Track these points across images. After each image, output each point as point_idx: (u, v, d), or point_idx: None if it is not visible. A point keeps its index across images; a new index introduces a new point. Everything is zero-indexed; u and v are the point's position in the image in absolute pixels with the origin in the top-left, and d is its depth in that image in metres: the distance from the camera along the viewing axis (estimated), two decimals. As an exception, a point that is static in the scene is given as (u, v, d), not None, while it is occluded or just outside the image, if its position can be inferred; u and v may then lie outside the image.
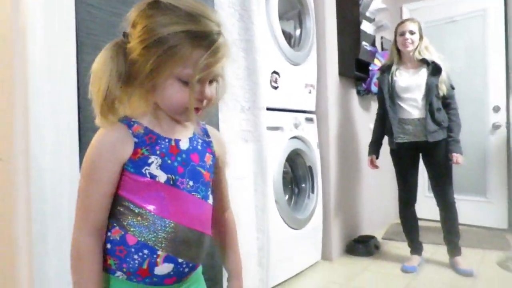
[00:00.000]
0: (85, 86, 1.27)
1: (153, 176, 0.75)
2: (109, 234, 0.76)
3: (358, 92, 3.20)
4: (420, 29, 2.46)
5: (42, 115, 1.13)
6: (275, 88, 2.28)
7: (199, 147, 0.84)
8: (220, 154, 0.90)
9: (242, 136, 1.94)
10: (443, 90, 2.34)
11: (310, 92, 2.61)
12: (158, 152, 0.76)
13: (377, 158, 2.63)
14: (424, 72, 2.41)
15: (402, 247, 2.83)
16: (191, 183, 0.79)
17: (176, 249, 0.77)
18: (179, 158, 0.79)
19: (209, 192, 0.85)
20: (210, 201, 0.85)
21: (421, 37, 2.46)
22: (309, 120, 2.58)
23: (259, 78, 1.98)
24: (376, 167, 2.63)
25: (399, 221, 2.64)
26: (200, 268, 0.89)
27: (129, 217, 0.75)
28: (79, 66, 1.25)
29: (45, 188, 1.12)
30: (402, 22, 2.52)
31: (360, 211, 3.17)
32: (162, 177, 0.75)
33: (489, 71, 3.46)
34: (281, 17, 2.34)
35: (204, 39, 0.71)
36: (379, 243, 2.96)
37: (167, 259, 0.76)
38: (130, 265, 0.74)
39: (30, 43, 1.11)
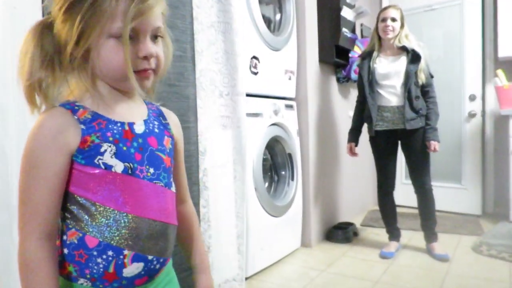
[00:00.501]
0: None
1: (108, 167, 0.66)
2: (64, 238, 0.67)
3: (338, 79, 3.19)
4: (402, 17, 2.45)
5: (5, 98, 1.06)
6: (255, 74, 2.23)
7: (156, 130, 0.76)
8: (178, 138, 0.83)
9: (221, 122, 1.89)
10: (422, 78, 2.34)
11: (290, 79, 2.58)
12: (110, 138, 0.67)
13: (356, 145, 2.62)
14: (403, 60, 2.41)
15: (380, 233, 2.86)
16: (151, 170, 0.71)
17: (143, 246, 0.69)
18: (135, 144, 0.70)
19: (171, 179, 0.78)
20: (173, 188, 0.78)
21: (402, 25, 2.45)
22: (289, 107, 2.55)
23: (238, 62, 1.92)
24: (356, 154, 2.63)
25: (377, 207, 2.66)
26: (170, 262, 0.81)
27: (85, 216, 0.66)
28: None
29: (11, 177, 1.05)
30: (385, 8, 2.50)
31: (339, 198, 3.19)
32: (118, 166, 0.67)
33: (465, 60, 3.49)
34: (260, 1, 2.29)
35: None
36: (358, 230, 2.98)
37: (135, 258, 0.68)
38: (94, 270, 0.66)
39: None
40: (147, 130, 0.73)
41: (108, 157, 0.66)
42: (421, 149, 2.38)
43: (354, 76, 3.07)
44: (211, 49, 1.83)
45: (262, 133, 2.25)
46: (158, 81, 0.78)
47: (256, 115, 2.21)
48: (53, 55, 0.66)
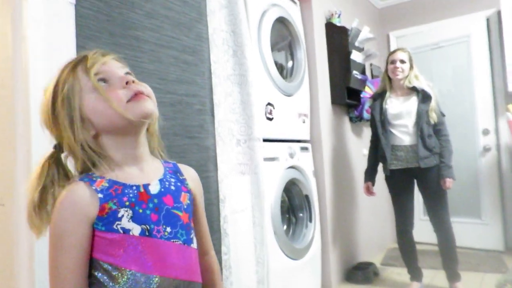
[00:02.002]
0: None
1: (126, 231, 0.70)
2: None
3: (351, 119, 3.26)
4: (410, 59, 2.54)
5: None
6: (270, 119, 2.31)
7: (172, 187, 0.79)
8: (196, 192, 0.86)
9: (239, 169, 1.96)
10: (433, 118, 2.39)
11: (304, 122, 2.65)
12: (127, 203, 0.71)
13: (373, 185, 2.65)
14: (414, 100, 2.47)
15: (401, 273, 2.82)
16: (168, 229, 0.75)
17: None
18: (150, 205, 0.74)
19: (192, 235, 0.80)
20: (194, 245, 0.81)
21: (411, 66, 2.53)
22: (304, 149, 2.61)
23: (254, 111, 2.01)
24: (373, 194, 2.65)
25: (397, 245, 2.64)
26: None
27: (109, 280, 0.70)
28: (80, 110, 1.27)
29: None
30: (393, 51, 2.59)
31: (357, 238, 3.17)
32: (135, 229, 0.71)
33: (476, 95, 3.54)
34: (272, 48, 2.40)
35: (80, 60, 0.76)
36: (378, 269, 2.95)
37: None
38: None
39: (32, 91, 1.13)
40: (162, 189, 0.77)
41: (125, 221, 0.70)
42: (437, 187, 2.39)
43: (366, 115, 3.14)
44: (228, 100, 1.93)
45: (279, 177, 2.30)
46: (158, 139, 0.86)
47: (272, 159, 2.27)
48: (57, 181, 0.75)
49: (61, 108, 0.73)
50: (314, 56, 2.79)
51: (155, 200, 0.75)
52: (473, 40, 3.56)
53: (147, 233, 0.72)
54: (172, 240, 0.75)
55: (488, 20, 3.52)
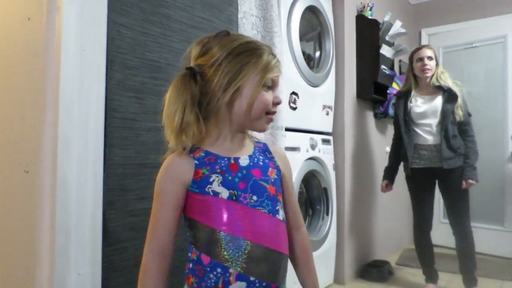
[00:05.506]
0: (112, 102, 1.31)
1: (215, 193, 0.79)
2: (189, 254, 0.82)
3: (376, 115, 3.20)
4: (436, 55, 2.47)
5: (70, 130, 1.16)
6: (294, 109, 2.29)
7: (261, 163, 0.86)
8: (284, 170, 0.92)
9: (260, 156, 1.95)
10: (459, 115, 2.32)
11: (327, 114, 2.62)
12: (218, 170, 0.80)
13: (391, 184, 2.60)
14: (439, 99, 2.40)
15: (416, 274, 2.78)
16: (254, 197, 0.81)
17: (246, 267, 0.78)
18: (239, 174, 0.82)
19: (278, 207, 0.85)
20: (280, 216, 0.85)
21: (437, 64, 2.46)
22: (326, 141, 2.59)
23: (279, 99, 1.99)
24: (389, 189, 2.61)
25: (413, 246, 2.60)
26: None
27: (201, 237, 0.79)
28: (108, 83, 1.29)
29: (69, 202, 1.14)
30: (419, 48, 2.52)
31: (374, 235, 3.13)
32: (224, 193, 0.79)
33: (508, 99, 3.42)
34: (301, 38, 2.38)
35: (264, 50, 0.84)
36: (393, 269, 2.91)
37: (239, 278, 0.77)
38: (208, 284, 0.78)
39: (63, 60, 1.15)
40: (251, 163, 0.85)
41: (216, 185, 0.79)
42: (460, 189, 2.32)
43: (391, 112, 3.07)
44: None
45: (299, 167, 2.29)
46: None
47: (293, 149, 2.26)
48: (197, 102, 0.80)
49: (233, 63, 0.80)
50: (342, 48, 2.74)
51: (244, 171, 0.82)
52: (510, 41, 3.43)
53: (234, 198, 0.79)
54: (257, 208, 0.81)
55: (527, 21, 3.39)
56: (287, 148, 2.16)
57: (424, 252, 2.52)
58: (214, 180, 0.79)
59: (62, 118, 1.14)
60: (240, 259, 0.77)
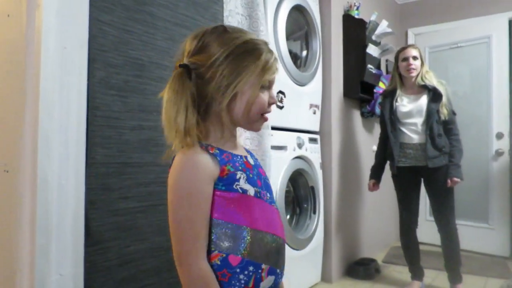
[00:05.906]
0: (94, 101, 1.30)
1: (244, 191, 0.77)
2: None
3: (362, 114, 3.22)
4: (421, 55, 2.49)
5: (50, 128, 1.14)
6: (281, 108, 2.29)
7: (258, 162, 0.89)
8: None
9: (246, 155, 1.95)
10: (444, 113, 2.34)
11: (314, 113, 2.63)
12: (240, 167, 0.79)
13: (378, 183, 2.62)
14: (424, 98, 2.42)
15: (402, 271, 2.81)
16: (268, 194, 0.84)
17: (274, 260, 0.79)
18: (255, 172, 0.83)
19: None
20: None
21: (422, 63, 2.48)
22: (313, 140, 2.59)
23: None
24: (376, 188, 2.63)
25: (400, 244, 2.62)
26: None
27: (228, 237, 0.75)
28: (90, 82, 1.27)
29: (50, 201, 1.13)
30: (404, 48, 2.54)
31: (361, 233, 3.15)
32: (251, 190, 0.79)
33: (493, 98, 3.47)
34: (288, 38, 2.38)
35: (262, 49, 0.81)
36: (380, 266, 2.93)
37: (270, 272, 0.78)
38: (236, 287, 0.74)
39: (43, 58, 1.13)
40: (256, 162, 0.87)
41: (243, 182, 0.78)
42: (445, 187, 2.35)
43: (378, 111, 3.08)
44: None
45: (286, 166, 2.29)
46: None
47: (280, 148, 2.26)
48: (196, 101, 0.77)
49: (233, 65, 0.77)
50: (329, 47, 2.75)
51: (255, 170, 0.84)
52: (494, 42, 3.48)
53: (258, 195, 0.80)
54: (272, 204, 0.84)
55: (510, 21, 3.44)
56: (274, 147, 2.16)
57: (410, 249, 2.54)
58: (240, 178, 0.78)
59: (42, 116, 1.12)
60: (270, 254, 0.78)
